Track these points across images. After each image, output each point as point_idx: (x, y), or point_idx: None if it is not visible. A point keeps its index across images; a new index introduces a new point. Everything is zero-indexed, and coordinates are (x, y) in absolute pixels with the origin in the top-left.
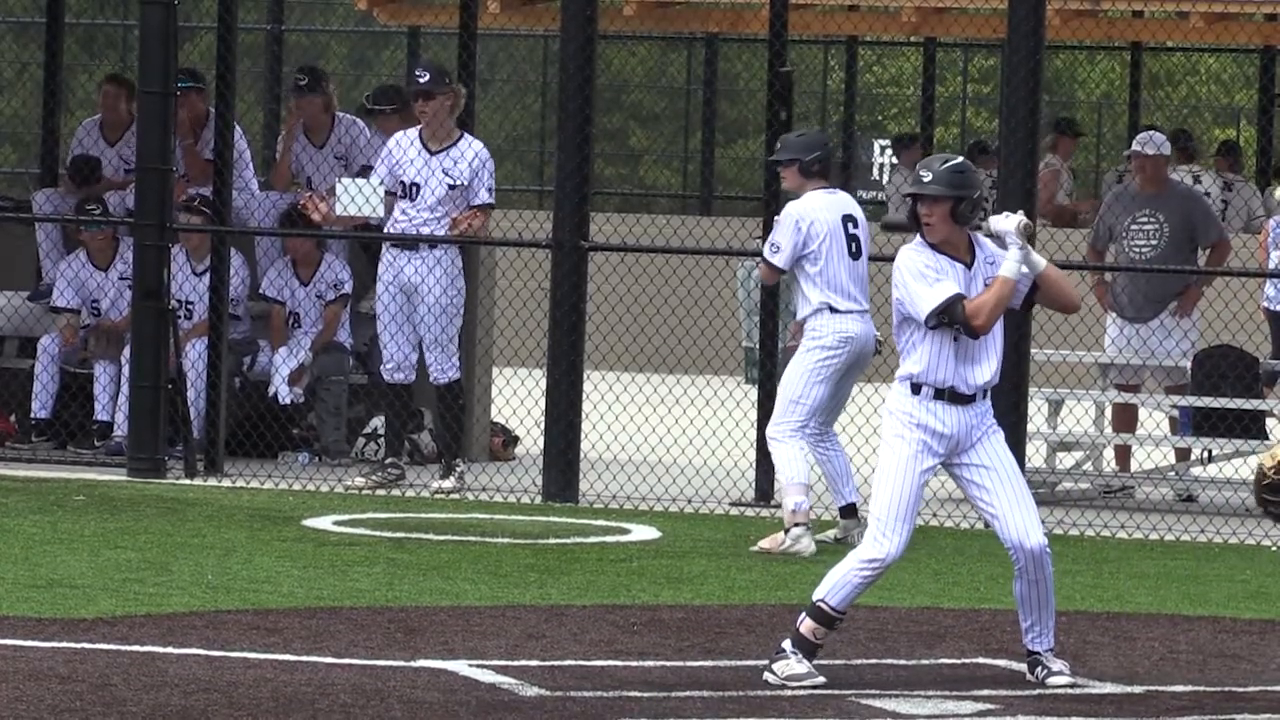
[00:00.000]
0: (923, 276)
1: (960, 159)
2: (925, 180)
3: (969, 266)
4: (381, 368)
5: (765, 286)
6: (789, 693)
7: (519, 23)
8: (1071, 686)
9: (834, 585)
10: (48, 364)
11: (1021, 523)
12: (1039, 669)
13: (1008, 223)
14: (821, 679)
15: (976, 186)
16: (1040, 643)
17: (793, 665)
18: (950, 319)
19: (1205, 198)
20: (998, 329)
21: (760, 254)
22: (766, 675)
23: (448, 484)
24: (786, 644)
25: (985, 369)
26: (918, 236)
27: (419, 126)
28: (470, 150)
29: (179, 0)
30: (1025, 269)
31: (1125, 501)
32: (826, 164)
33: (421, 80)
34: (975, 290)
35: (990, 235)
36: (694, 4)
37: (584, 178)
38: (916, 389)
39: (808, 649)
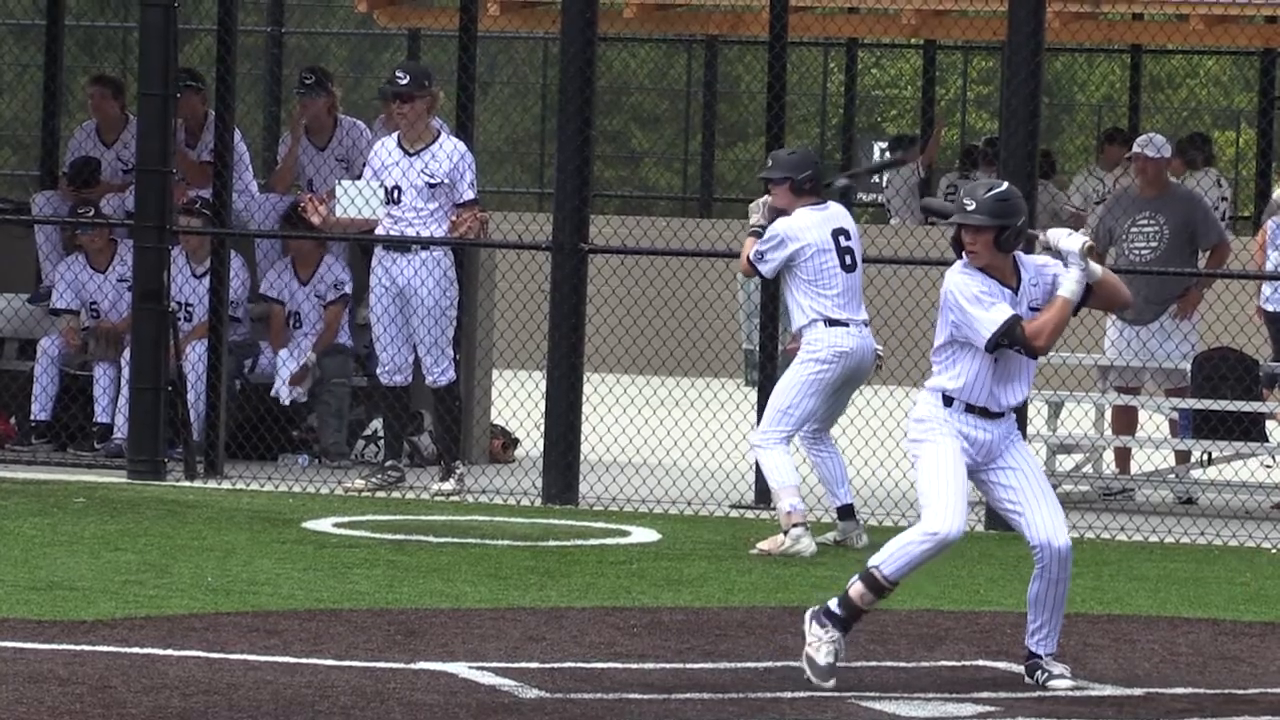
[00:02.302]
0: (978, 301)
1: (1005, 186)
2: (969, 209)
3: (1015, 290)
4: (378, 371)
5: (764, 288)
6: (789, 695)
7: (519, 25)
8: (1073, 689)
9: (892, 554)
10: (47, 366)
11: (1050, 521)
12: (1039, 672)
13: (1072, 243)
14: (833, 666)
15: (1021, 213)
16: (1044, 646)
17: (822, 638)
18: (1010, 341)
19: (1205, 200)
20: None
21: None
22: (810, 626)
23: (448, 486)
24: (833, 603)
25: (1018, 390)
26: (963, 259)
27: (396, 131)
28: (448, 148)
29: (179, 2)
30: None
31: (1125, 504)
32: (817, 181)
33: (402, 82)
34: (1022, 314)
35: (1047, 249)
36: (694, 6)
37: (584, 180)
38: (948, 401)
39: (851, 612)
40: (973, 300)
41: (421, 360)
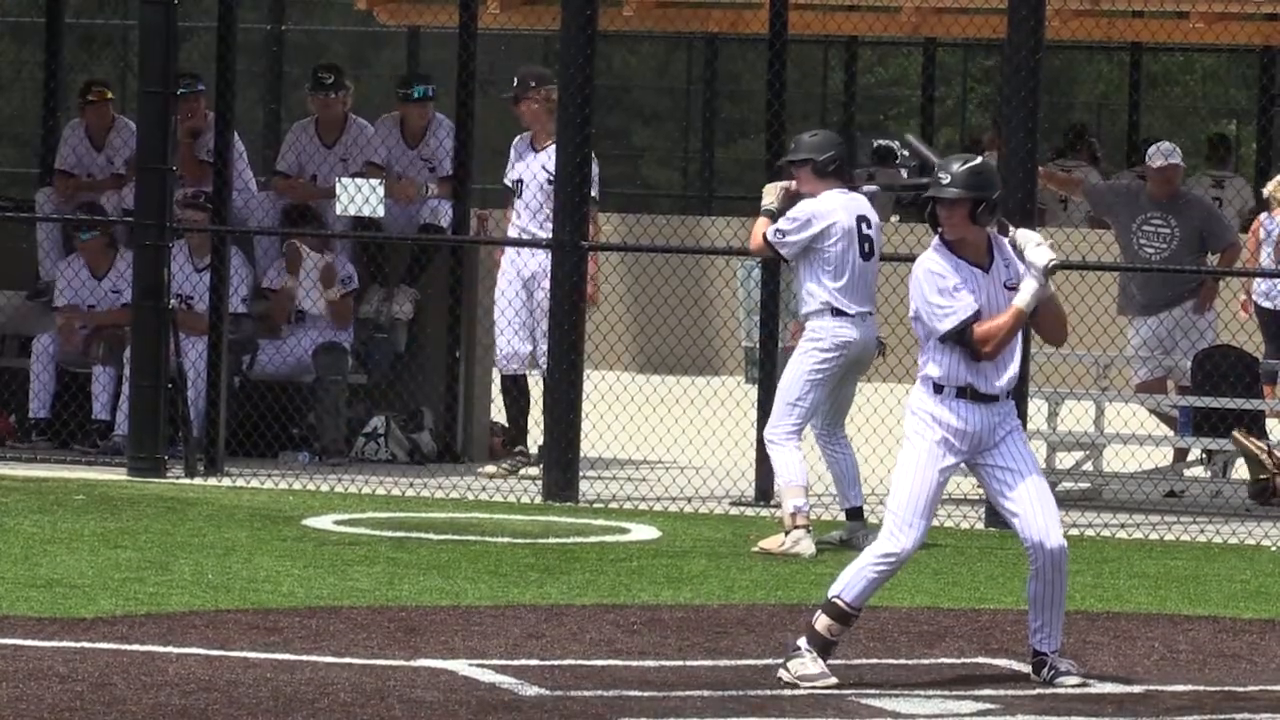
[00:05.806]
0: (940, 293)
1: (979, 159)
2: (944, 182)
3: (986, 270)
4: (496, 358)
5: (764, 286)
6: (788, 693)
7: (519, 22)
8: (1080, 686)
9: (849, 581)
10: (46, 363)
11: (1042, 523)
12: (1046, 669)
13: (1039, 255)
14: (834, 680)
15: (996, 187)
16: (1048, 644)
17: (807, 665)
18: (961, 340)
19: (1214, 205)
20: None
21: (766, 240)
22: (780, 673)
23: (491, 469)
24: (802, 642)
25: (1005, 370)
26: (936, 239)
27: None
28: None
29: None
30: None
31: (1125, 501)
32: (841, 164)
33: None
34: (994, 293)
35: (1014, 247)
36: (694, 3)
37: (584, 177)
38: (938, 389)
39: (822, 646)
40: (935, 291)
41: (537, 350)
